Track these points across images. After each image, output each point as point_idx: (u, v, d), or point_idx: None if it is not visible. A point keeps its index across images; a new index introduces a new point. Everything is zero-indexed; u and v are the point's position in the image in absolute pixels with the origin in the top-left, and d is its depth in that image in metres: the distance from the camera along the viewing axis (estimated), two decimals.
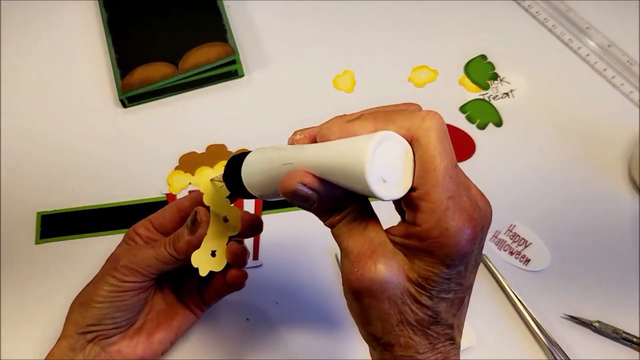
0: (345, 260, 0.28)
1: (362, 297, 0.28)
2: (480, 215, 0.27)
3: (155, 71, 0.56)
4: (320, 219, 0.30)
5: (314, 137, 0.30)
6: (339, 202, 0.29)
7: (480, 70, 0.59)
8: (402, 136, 0.27)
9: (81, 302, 0.40)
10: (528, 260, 0.49)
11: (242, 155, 0.34)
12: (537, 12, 0.62)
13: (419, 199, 0.26)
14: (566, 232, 0.51)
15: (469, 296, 0.30)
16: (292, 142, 0.31)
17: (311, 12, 0.63)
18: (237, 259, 0.40)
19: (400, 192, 0.27)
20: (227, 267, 0.40)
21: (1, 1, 0.64)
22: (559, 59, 0.60)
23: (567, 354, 0.45)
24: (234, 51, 0.56)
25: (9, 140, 0.56)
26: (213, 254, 0.39)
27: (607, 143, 0.55)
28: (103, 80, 0.59)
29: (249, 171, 0.33)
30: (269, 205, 0.52)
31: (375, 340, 0.29)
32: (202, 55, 0.56)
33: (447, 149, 0.26)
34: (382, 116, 0.28)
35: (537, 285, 0.48)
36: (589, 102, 0.57)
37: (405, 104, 0.30)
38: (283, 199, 0.30)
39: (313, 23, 0.62)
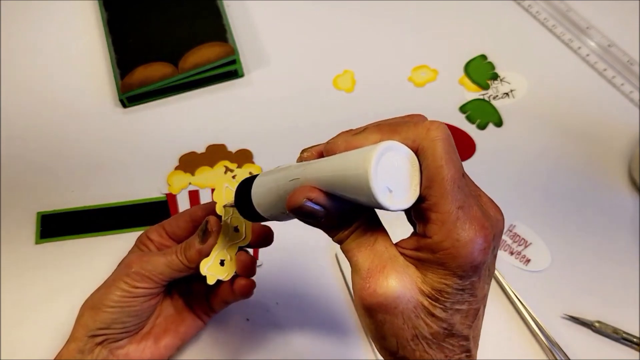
0: (356, 276, 0.28)
1: (375, 313, 0.27)
2: (491, 224, 0.27)
3: (155, 71, 0.55)
4: (328, 235, 0.29)
5: (321, 153, 0.30)
6: (347, 216, 0.28)
7: (481, 70, 0.59)
8: (408, 147, 0.27)
9: (92, 305, 0.40)
10: (528, 261, 0.49)
11: (251, 178, 0.34)
12: (537, 12, 0.62)
13: (428, 211, 0.26)
14: (566, 232, 0.51)
15: (484, 306, 0.29)
16: (300, 160, 0.31)
17: (311, 12, 0.63)
18: (246, 269, 0.40)
19: (407, 202, 0.26)
20: (235, 275, 0.40)
21: (1, 1, 0.64)
22: (559, 58, 0.60)
23: (567, 354, 0.45)
24: (233, 51, 0.56)
25: (9, 139, 0.56)
26: (222, 262, 0.39)
27: (607, 143, 0.55)
28: (103, 80, 0.59)
29: (258, 192, 0.33)
30: None
31: (391, 355, 0.28)
32: (202, 55, 0.56)
33: (453, 158, 0.26)
34: (386, 128, 0.28)
35: (538, 285, 0.48)
36: (589, 102, 0.57)
37: (409, 115, 0.29)
38: (294, 218, 0.30)
39: (313, 23, 0.62)
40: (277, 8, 0.63)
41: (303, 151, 0.31)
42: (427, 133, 0.26)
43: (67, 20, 0.63)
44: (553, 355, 0.45)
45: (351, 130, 0.29)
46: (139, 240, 0.43)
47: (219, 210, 0.39)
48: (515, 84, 0.58)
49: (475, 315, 0.28)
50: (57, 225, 0.51)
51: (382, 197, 0.25)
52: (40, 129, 0.56)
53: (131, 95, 0.56)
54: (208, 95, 0.58)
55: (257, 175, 0.34)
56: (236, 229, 0.39)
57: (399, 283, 0.27)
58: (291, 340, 0.47)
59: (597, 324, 0.46)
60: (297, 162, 0.31)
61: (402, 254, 0.28)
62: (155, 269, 0.39)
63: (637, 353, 0.46)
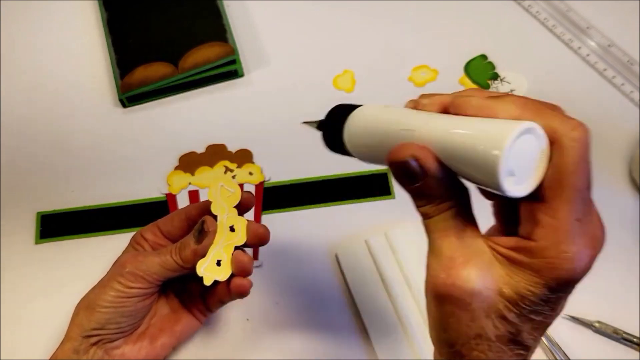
0: (435, 261, 0.26)
1: (444, 304, 0.26)
2: (599, 244, 0.25)
3: (155, 71, 0.55)
4: (415, 203, 0.27)
5: (444, 105, 0.27)
6: (446, 190, 0.26)
7: (481, 70, 0.59)
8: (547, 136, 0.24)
9: (86, 305, 0.40)
10: None
11: (349, 106, 0.30)
12: (537, 12, 0.62)
13: (542, 213, 0.24)
14: None
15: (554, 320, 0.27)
16: (414, 105, 0.27)
17: (311, 12, 0.63)
18: (243, 269, 0.40)
19: (525, 190, 0.24)
20: (232, 275, 0.40)
21: (1, 1, 0.64)
22: (559, 58, 0.60)
23: (568, 354, 0.45)
24: (233, 51, 0.56)
25: (9, 139, 0.56)
26: (218, 262, 0.39)
27: (607, 143, 0.55)
28: (103, 80, 0.59)
29: (357, 125, 0.29)
30: (269, 205, 0.52)
31: (447, 347, 0.27)
32: (202, 55, 0.56)
33: (587, 168, 0.25)
34: (530, 105, 0.25)
35: None
36: (589, 102, 0.57)
37: (551, 104, 0.27)
38: (383, 165, 0.27)
39: (313, 23, 0.62)
40: (277, 8, 0.63)
41: (423, 96, 0.27)
42: (571, 131, 0.25)
43: (67, 20, 0.63)
44: (553, 355, 0.45)
45: (485, 91, 0.27)
46: (134, 239, 0.42)
47: (214, 209, 0.39)
48: (515, 84, 0.58)
49: (544, 329, 0.27)
50: (57, 225, 0.51)
51: (503, 179, 0.23)
52: (40, 129, 0.56)
53: (131, 95, 0.56)
54: (208, 95, 0.58)
55: (355, 105, 0.30)
56: (232, 229, 0.39)
57: (480, 280, 0.25)
58: (291, 340, 0.47)
59: (597, 324, 0.46)
60: (410, 107, 0.27)
61: (493, 248, 0.26)
62: (150, 269, 0.39)
63: (638, 353, 0.46)
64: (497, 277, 0.25)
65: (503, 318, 0.25)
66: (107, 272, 0.41)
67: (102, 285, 0.40)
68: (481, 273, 0.25)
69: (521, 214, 0.26)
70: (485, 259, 0.26)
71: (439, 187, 0.26)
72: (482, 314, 0.25)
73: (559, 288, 0.25)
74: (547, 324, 0.27)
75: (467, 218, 0.27)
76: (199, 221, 0.39)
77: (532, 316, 0.25)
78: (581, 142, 0.25)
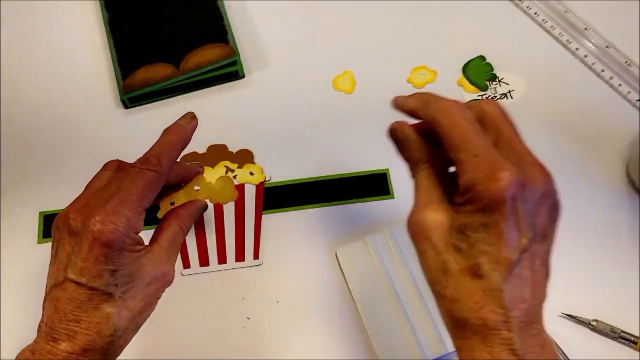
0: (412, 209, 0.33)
1: (416, 243, 0.32)
2: (518, 173, 0.29)
3: (156, 72, 0.56)
4: (407, 166, 0.36)
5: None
6: (421, 155, 0.35)
7: (479, 71, 0.59)
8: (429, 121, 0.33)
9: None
10: None
11: None
12: (535, 13, 0.63)
13: (456, 166, 0.31)
14: (564, 231, 0.51)
15: (533, 272, 0.30)
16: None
17: (311, 12, 0.63)
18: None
19: None
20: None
21: (1, 1, 0.64)
22: (557, 59, 0.60)
23: (565, 352, 0.46)
24: (234, 52, 0.57)
25: (11, 139, 0.56)
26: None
27: (605, 144, 0.55)
28: (104, 81, 0.59)
29: None
30: (269, 205, 0.52)
31: (431, 290, 0.32)
32: (203, 56, 0.56)
33: (463, 116, 0.32)
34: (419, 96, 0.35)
35: None
36: (587, 103, 0.58)
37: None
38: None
39: (313, 24, 0.63)
40: (277, 9, 0.63)
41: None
42: (436, 107, 0.33)
43: (68, 21, 0.63)
44: None
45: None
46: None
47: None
48: (513, 85, 0.59)
49: (507, 265, 0.29)
50: None
51: None
52: (41, 129, 0.57)
53: (133, 96, 0.56)
54: (209, 96, 0.59)
55: None
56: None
57: (435, 217, 0.31)
58: (291, 339, 0.47)
59: (594, 323, 0.47)
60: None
61: (450, 201, 0.32)
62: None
63: (635, 352, 0.46)
64: (449, 216, 0.31)
65: (459, 250, 0.30)
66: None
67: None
68: (437, 213, 0.32)
69: (456, 174, 0.31)
70: (444, 205, 0.32)
71: (417, 151, 0.35)
72: (443, 248, 0.31)
73: (488, 208, 0.29)
74: (508, 259, 0.29)
75: (438, 178, 0.34)
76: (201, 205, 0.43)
77: (483, 246, 0.29)
78: (442, 109, 0.32)
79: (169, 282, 0.39)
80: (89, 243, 0.34)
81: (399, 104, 0.36)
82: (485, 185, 0.29)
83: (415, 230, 0.32)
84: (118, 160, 0.40)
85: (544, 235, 0.32)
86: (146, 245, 0.38)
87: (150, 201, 0.38)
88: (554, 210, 0.33)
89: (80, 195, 0.38)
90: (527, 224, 0.30)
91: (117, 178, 0.38)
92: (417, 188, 0.34)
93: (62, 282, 0.35)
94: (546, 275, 0.32)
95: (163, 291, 0.39)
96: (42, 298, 0.48)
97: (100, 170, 0.40)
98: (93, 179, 0.40)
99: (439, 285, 0.31)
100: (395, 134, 0.36)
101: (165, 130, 0.41)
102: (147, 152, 0.39)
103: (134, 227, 0.36)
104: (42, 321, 0.36)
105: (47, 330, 0.35)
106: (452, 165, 0.33)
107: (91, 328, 0.34)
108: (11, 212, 0.52)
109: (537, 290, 0.31)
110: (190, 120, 0.42)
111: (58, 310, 0.35)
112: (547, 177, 0.32)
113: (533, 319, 0.30)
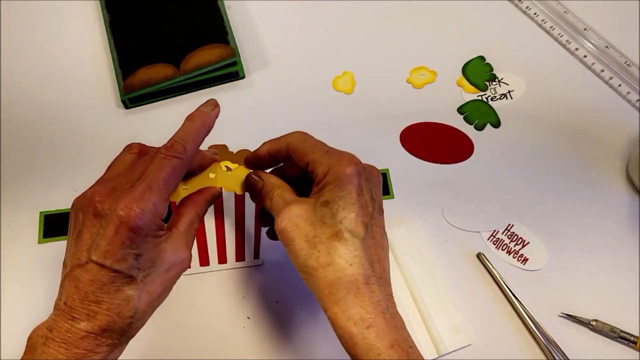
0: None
1: (286, 240, 0.38)
2: (350, 157, 0.38)
3: (157, 72, 0.56)
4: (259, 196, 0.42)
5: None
6: (274, 182, 0.41)
7: (479, 72, 0.59)
8: (283, 150, 0.42)
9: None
10: (526, 260, 0.50)
11: None
12: (535, 14, 0.63)
13: (311, 165, 0.39)
14: (564, 231, 0.51)
15: (381, 237, 0.38)
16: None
17: (311, 13, 0.63)
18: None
19: None
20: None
21: (1, 1, 0.64)
22: (556, 60, 0.60)
23: (565, 352, 0.46)
24: (234, 53, 0.57)
25: (12, 140, 0.56)
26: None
27: (605, 144, 0.56)
28: (105, 81, 0.59)
29: None
30: None
31: (305, 267, 0.37)
32: (203, 56, 0.56)
33: (317, 143, 0.40)
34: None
35: (535, 284, 0.49)
36: (586, 103, 0.58)
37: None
38: None
39: (313, 24, 0.63)
40: (277, 10, 0.64)
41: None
42: (285, 137, 0.42)
43: (68, 22, 0.63)
44: (551, 353, 0.46)
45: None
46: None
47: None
48: (513, 85, 0.59)
49: (364, 227, 0.36)
50: (59, 225, 0.52)
51: None
52: (42, 130, 0.57)
53: (133, 97, 0.56)
54: (209, 97, 0.58)
55: None
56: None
57: (299, 209, 0.37)
58: (292, 339, 0.47)
59: (594, 323, 0.47)
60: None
61: (312, 197, 0.38)
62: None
63: (634, 351, 0.46)
64: (310, 204, 0.38)
65: (324, 223, 0.37)
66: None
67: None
68: (299, 206, 0.38)
69: (312, 172, 0.39)
70: (301, 201, 0.38)
71: (269, 182, 0.41)
72: (310, 227, 0.37)
73: (343, 183, 0.37)
74: (361, 220, 0.37)
75: (290, 192, 0.40)
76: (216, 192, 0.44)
77: (343, 214, 0.36)
78: (292, 139, 0.41)
79: (186, 267, 0.40)
80: (116, 227, 0.35)
81: (253, 157, 0.43)
82: (338, 167, 0.37)
83: (285, 227, 0.37)
84: (140, 143, 0.41)
85: (381, 209, 0.39)
86: (167, 231, 0.38)
87: (174, 187, 0.39)
88: (380, 190, 0.40)
89: (103, 177, 0.39)
90: (370, 196, 0.38)
91: (142, 163, 0.39)
92: (272, 207, 0.39)
93: (85, 264, 0.35)
94: (387, 245, 0.39)
95: (179, 276, 0.39)
96: (42, 298, 0.48)
97: (122, 152, 0.41)
98: (115, 161, 0.41)
99: (312, 259, 0.36)
100: (250, 178, 0.43)
101: (189, 117, 0.42)
102: (172, 138, 0.40)
103: (159, 213, 0.37)
104: (59, 300, 0.36)
105: (67, 309, 0.35)
106: (295, 188, 0.41)
107: (112, 309, 0.35)
108: (11, 212, 0.53)
109: (384, 255, 0.38)
110: (213, 108, 0.43)
111: (79, 290, 0.35)
112: (376, 168, 0.40)
113: (387, 279, 0.37)
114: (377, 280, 0.36)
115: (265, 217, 0.43)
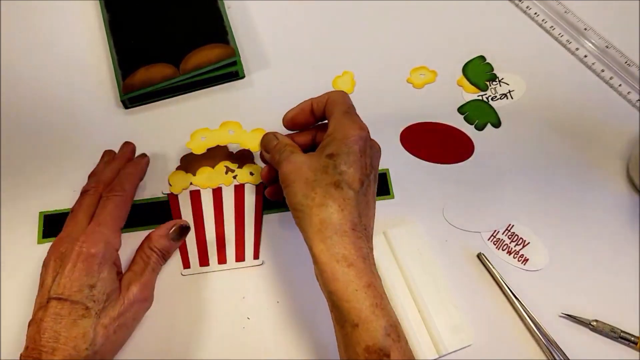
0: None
1: (286, 183, 0.42)
2: (361, 124, 0.44)
3: (156, 72, 0.56)
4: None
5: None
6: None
7: (479, 71, 0.59)
8: (323, 103, 0.46)
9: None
10: (526, 260, 0.50)
11: None
12: (535, 14, 0.63)
13: (328, 117, 0.45)
14: (564, 231, 0.51)
15: (372, 198, 0.43)
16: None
17: (311, 13, 0.63)
18: None
19: None
20: None
21: (1, 1, 0.64)
22: (557, 60, 0.60)
23: (566, 352, 0.46)
24: (234, 52, 0.57)
25: (11, 140, 0.56)
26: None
27: (605, 143, 0.55)
28: (104, 81, 0.59)
29: None
30: (270, 204, 0.52)
31: (300, 206, 0.41)
32: (203, 56, 0.56)
33: (343, 101, 0.45)
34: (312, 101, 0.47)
35: (535, 284, 0.49)
36: (587, 103, 0.58)
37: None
38: None
39: (313, 24, 0.63)
40: (277, 10, 0.64)
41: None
42: (327, 97, 0.46)
43: (68, 21, 0.63)
44: (551, 354, 0.46)
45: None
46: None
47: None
48: (513, 85, 0.59)
49: (360, 183, 0.41)
50: (59, 225, 0.51)
51: None
52: (41, 129, 0.57)
53: (133, 97, 0.56)
54: (209, 97, 0.59)
55: None
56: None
57: (303, 158, 0.43)
58: (292, 339, 0.47)
59: (594, 323, 0.47)
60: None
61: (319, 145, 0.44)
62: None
63: (635, 352, 0.46)
64: (315, 155, 0.43)
65: (326, 171, 0.41)
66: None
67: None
68: (304, 156, 0.44)
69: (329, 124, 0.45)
70: (306, 154, 0.44)
71: (283, 140, 0.47)
72: (312, 173, 0.41)
73: (349, 144, 0.42)
74: (358, 177, 0.41)
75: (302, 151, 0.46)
76: (176, 224, 0.47)
77: (344, 167, 0.41)
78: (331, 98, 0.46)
79: (145, 308, 0.45)
80: (73, 261, 0.41)
81: (294, 113, 0.48)
82: (348, 127, 0.42)
83: (289, 170, 0.42)
84: (87, 184, 0.49)
85: (376, 178, 0.44)
86: (125, 270, 0.45)
87: (123, 220, 0.47)
88: (378, 163, 0.45)
89: (63, 229, 0.46)
90: (370, 162, 0.43)
91: (82, 209, 0.47)
92: (281, 159, 0.44)
93: (46, 303, 0.40)
94: (374, 211, 0.43)
95: (141, 314, 0.44)
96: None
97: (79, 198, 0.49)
98: (72, 208, 0.48)
99: (308, 199, 0.40)
100: (266, 136, 0.48)
101: (123, 167, 0.51)
102: (111, 183, 0.48)
103: (111, 244, 0.43)
104: (25, 348, 0.40)
105: (29, 352, 0.39)
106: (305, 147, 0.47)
107: (69, 342, 0.39)
108: (11, 212, 0.52)
109: (372, 216, 0.42)
110: (142, 157, 0.52)
111: (40, 330, 0.39)
112: (379, 145, 0.46)
113: (370, 236, 0.41)
114: (363, 231, 0.40)
115: (279, 192, 0.46)
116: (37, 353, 0.38)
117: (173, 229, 0.47)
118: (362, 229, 0.40)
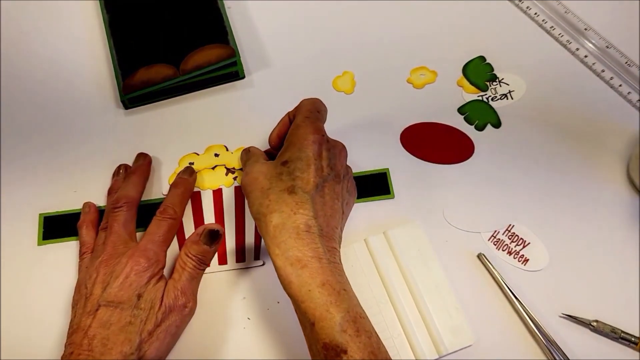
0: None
1: (247, 191, 0.44)
2: (323, 132, 0.46)
3: (156, 73, 0.56)
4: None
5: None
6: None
7: (479, 72, 0.59)
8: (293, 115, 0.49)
9: None
10: (527, 260, 0.50)
11: None
12: (535, 14, 0.63)
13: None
14: (565, 232, 0.51)
15: (331, 199, 0.44)
16: None
17: (311, 13, 0.63)
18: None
19: None
20: None
21: (1, 1, 0.64)
22: (557, 60, 0.60)
23: (566, 353, 0.46)
24: (234, 53, 0.57)
25: (11, 140, 0.56)
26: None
27: (606, 144, 0.55)
28: (104, 81, 0.59)
29: None
30: None
31: (258, 214, 0.43)
32: (203, 56, 0.56)
33: (311, 117, 0.47)
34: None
35: (536, 285, 0.49)
36: (587, 103, 0.58)
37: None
38: None
39: (313, 24, 0.63)
40: (277, 10, 0.63)
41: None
42: (301, 101, 0.49)
43: (68, 22, 0.63)
44: (551, 354, 0.46)
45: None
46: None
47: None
48: (513, 85, 0.59)
49: (314, 186, 0.42)
50: (59, 227, 0.52)
51: None
52: (41, 130, 0.57)
53: (133, 97, 0.56)
54: (209, 97, 0.59)
55: None
56: None
57: (261, 166, 0.45)
58: (292, 339, 0.47)
59: (595, 323, 0.47)
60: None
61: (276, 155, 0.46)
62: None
63: (635, 352, 0.46)
64: (272, 164, 0.45)
65: (280, 179, 0.43)
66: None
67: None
68: (261, 165, 0.45)
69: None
70: (266, 162, 0.46)
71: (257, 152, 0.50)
72: (267, 181, 0.44)
73: (303, 148, 0.44)
74: (312, 181, 0.43)
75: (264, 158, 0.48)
76: (205, 229, 0.46)
77: (298, 173, 0.43)
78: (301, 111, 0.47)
79: (187, 314, 0.45)
80: (126, 273, 0.43)
81: (276, 131, 0.50)
82: (303, 132, 0.44)
83: (248, 180, 0.44)
84: (116, 200, 0.50)
85: (339, 177, 0.45)
86: (166, 280, 0.46)
87: (170, 242, 0.49)
88: (345, 161, 0.47)
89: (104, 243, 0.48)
90: (327, 164, 0.44)
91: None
92: (246, 168, 0.46)
93: (95, 311, 0.42)
94: (339, 210, 0.44)
95: (184, 320, 0.45)
96: (42, 299, 0.48)
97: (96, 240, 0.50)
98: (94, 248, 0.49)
99: (263, 206, 0.42)
100: (242, 151, 0.51)
101: (173, 184, 0.52)
102: (163, 203, 0.50)
103: (159, 261, 0.46)
104: (69, 353, 0.41)
105: (74, 358, 0.40)
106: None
107: (116, 348, 0.40)
108: (11, 213, 0.52)
109: (333, 215, 0.43)
110: (190, 174, 0.53)
111: (87, 335, 0.41)
112: (342, 144, 0.48)
113: (331, 235, 0.42)
114: (319, 231, 0.41)
115: None
116: (85, 357, 0.40)
117: (203, 234, 0.46)
118: (318, 229, 0.41)
